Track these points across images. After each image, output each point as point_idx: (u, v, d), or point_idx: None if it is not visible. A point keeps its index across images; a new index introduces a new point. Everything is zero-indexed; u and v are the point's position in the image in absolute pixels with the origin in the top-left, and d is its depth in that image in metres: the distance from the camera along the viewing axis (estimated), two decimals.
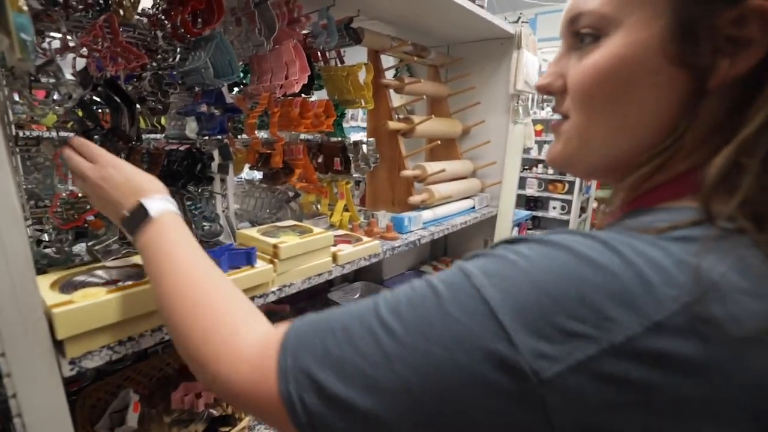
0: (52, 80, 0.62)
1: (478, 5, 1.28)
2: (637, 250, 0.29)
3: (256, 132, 0.99)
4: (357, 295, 1.44)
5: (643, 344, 0.26)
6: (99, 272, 0.63)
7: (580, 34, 0.37)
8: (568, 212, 2.87)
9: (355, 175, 1.19)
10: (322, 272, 0.89)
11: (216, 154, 0.94)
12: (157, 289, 0.47)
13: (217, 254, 0.71)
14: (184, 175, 0.84)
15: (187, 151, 0.83)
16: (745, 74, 0.31)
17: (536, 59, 1.59)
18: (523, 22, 1.57)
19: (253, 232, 0.86)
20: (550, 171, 3.09)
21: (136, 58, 0.76)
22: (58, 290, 0.56)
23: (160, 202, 0.53)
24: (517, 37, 1.47)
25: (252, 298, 0.76)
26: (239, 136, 1.06)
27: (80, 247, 0.80)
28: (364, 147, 1.18)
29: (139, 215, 0.52)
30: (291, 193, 1.02)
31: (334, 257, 0.92)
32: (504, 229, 1.65)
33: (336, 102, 1.16)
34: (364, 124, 3.01)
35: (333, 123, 1.08)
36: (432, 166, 1.36)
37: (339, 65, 1.23)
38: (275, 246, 0.78)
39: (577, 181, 2.81)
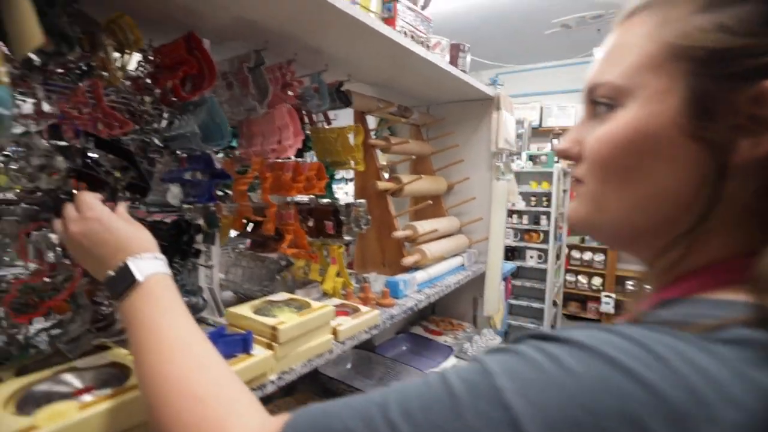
0: (25, 150, 0.54)
1: (461, 70, 1.32)
2: (685, 357, 0.25)
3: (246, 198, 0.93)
4: (348, 365, 1.33)
5: None
6: (67, 377, 0.53)
7: (597, 103, 0.37)
8: (545, 261, 2.91)
9: (346, 239, 1.13)
10: (323, 352, 0.80)
11: (201, 222, 0.86)
12: (138, 365, 0.43)
13: None
14: (169, 248, 0.75)
15: (174, 223, 0.75)
16: None
17: (513, 118, 1.66)
18: (498, 84, 1.66)
19: (245, 310, 0.77)
20: (525, 221, 3.17)
21: (121, 125, 0.70)
22: (15, 408, 0.45)
23: (148, 262, 0.49)
24: (496, 99, 1.53)
25: None
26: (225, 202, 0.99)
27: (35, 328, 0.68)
28: (355, 209, 1.14)
29: (125, 278, 0.47)
30: (283, 262, 0.95)
31: (335, 333, 0.84)
32: (494, 285, 1.62)
33: (326, 164, 1.13)
34: (348, 176, 2.97)
35: (325, 185, 1.04)
36: (423, 226, 1.33)
37: (326, 127, 1.22)
38: (273, 328, 0.69)
39: (551, 229, 2.88)
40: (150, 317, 0.45)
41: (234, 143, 1.04)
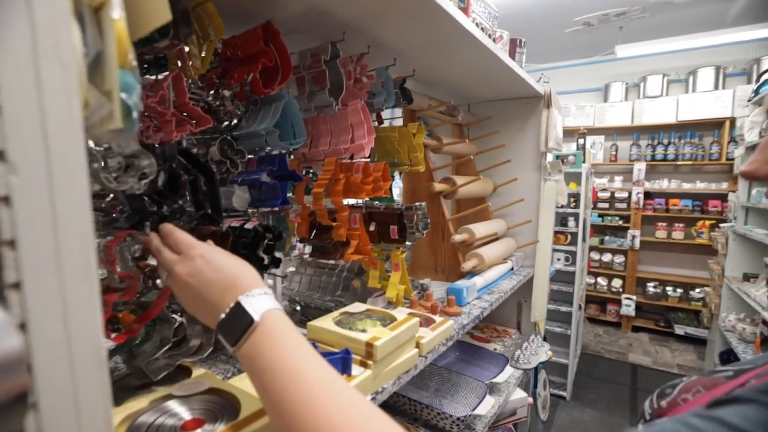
0: (125, 153, 0.48)
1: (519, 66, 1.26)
2: None
3: (305, 200, 0.86)
4: None
5: None
6: (171, 405, 0.46)
7: None
8: (573, 263, 2.84)
9: (408, 243, 1.07)
10: (410, 368, 0.74)
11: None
12: (282, 415, 0.38)
13: None
14: (247, 257, 0.69)
15: (253, 229, 0.69)
16: None
17: (561, 116, 1.60)
18: (545, 81, 1.59)
19: (328, 323, 0.70)
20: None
21: (198, 122, 0.64)
22: None
23: (260, 298, 0.44)
24: (546, 96, 1.47)
25: None
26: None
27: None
28: (416, 213, 1.08)
29: (241, 319, 0.42)
30: (355, 270, 0.88)
31: (418, 346, 0.77)
32: (541, 290, 1.56)
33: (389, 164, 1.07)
34: None
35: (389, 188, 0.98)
36: (479, 229, 1.27)
37: (380, 125, 1.16)
38: (369, 344, 0.63)
39: (580, 230, 2.81)
40: (281, 361, 0.40)
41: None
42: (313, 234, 0.93)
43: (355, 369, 0.62)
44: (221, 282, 0.45)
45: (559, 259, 2.87)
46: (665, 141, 3.89)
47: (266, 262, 0.72)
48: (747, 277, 2.50)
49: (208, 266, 0.46)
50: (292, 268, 0.96)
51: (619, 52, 3.60)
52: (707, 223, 3.68)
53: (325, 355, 0.60)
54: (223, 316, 0.43)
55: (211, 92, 0.70)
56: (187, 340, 0.68)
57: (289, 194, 0.93)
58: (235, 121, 0.75)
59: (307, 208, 0.89)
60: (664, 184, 3.91)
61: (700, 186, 3.74)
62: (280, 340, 0.41)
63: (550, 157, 3.00)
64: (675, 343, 3.84)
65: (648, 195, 3.94)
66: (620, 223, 4.05)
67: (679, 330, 3.77)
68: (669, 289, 3.96)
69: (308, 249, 1.05)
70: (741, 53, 3.70)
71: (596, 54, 4.06)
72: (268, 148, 0.76)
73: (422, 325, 0.87)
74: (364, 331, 0.68)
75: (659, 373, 3.31)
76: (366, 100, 0.88)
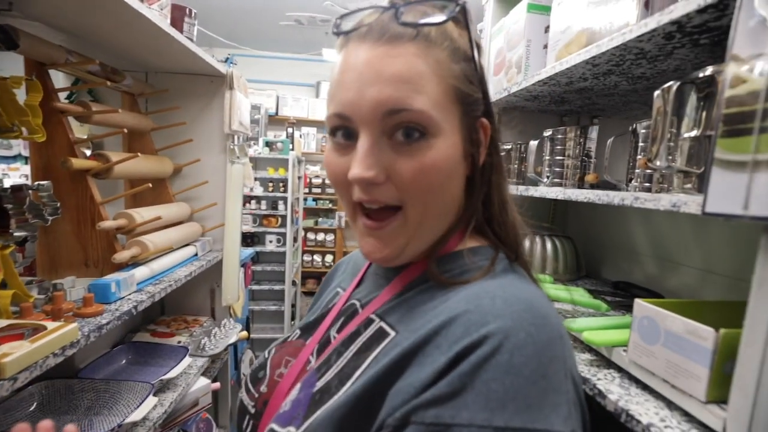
0: None
1: (187, 37, 1.17)
2: (516, 297, 0.37)
3: None
4: (32, 406, 0.98)
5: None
6: None
7: (407, 129, 0.38)
8: (284, 244, 3.03)
9: (17, 234, 0.82)
10: None
11: None
12: None
13: None
14: None
15: None
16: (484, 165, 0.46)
17: (248, 100, 1.62)
18: (232, 63, 1.56)
19: None
20: (264, 206, 3.19)
21: None
22: None
23: None
24: (229, 77, 1.44)
25: None
26: None
27: None
28: (34, 194, 0.84)
29: None
30: None
31: None
32: (232, 273, 1.56)
33: None
34: (10, 153, 2.23)
35: None
36: (141, 213, 1.12)
37: None
38: None
39: (288, 213, 3.02)
40: None
41: None
42: None
43: None
44: None
45: (271, 241, 3.00)
46: None
47: None
48: None
49: None
50: None
51: (325, 55, 4.05)
52: None
53: None
54: None
55: None
56: None
57: None
58: None
59: None
60: None
61: None
62: None
63: (261, 143, 3.08)
64: None
65: None
66: (330, 206, 4.64)
67: None
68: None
69: None
70: None
71: (308, 52, 4.42)
72: None
73: (21, 337, 0.68)
74: None
75: None
76: None
